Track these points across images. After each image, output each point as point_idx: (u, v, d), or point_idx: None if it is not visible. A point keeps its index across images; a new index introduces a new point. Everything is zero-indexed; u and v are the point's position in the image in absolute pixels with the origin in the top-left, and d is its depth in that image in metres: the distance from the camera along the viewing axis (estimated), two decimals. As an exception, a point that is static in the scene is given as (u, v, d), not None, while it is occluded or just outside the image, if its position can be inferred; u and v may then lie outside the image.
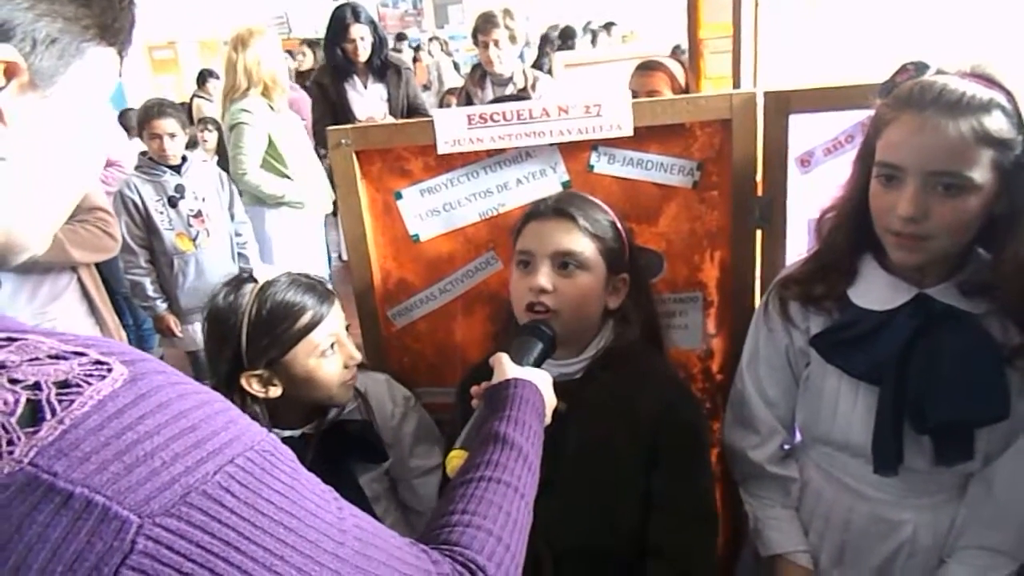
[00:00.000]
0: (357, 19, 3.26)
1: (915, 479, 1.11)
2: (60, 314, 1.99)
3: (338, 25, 3.25)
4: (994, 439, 1.06)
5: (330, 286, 1.29)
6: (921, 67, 1.00)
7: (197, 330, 2.91)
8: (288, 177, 3.09)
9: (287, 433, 1.27)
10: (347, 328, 1.29)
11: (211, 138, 4.73)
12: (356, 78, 3.31)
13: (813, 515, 1.24)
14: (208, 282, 2.82)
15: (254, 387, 1.20)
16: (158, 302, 2.82)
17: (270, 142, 3.02)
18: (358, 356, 1.28)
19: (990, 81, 0.95)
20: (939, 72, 0.99)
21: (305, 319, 1.20)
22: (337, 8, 3.30)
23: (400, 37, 8.16)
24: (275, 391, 1.22)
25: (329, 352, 1.23)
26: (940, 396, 1.03)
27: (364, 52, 3.27)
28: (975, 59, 0.98)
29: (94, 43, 0.53)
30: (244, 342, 1.18)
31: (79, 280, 2.07)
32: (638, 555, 1.18)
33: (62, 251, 1.91)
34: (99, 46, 0.54)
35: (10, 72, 0.48)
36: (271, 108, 3.03)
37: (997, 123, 0.93)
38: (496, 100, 2.85)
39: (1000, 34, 1.66)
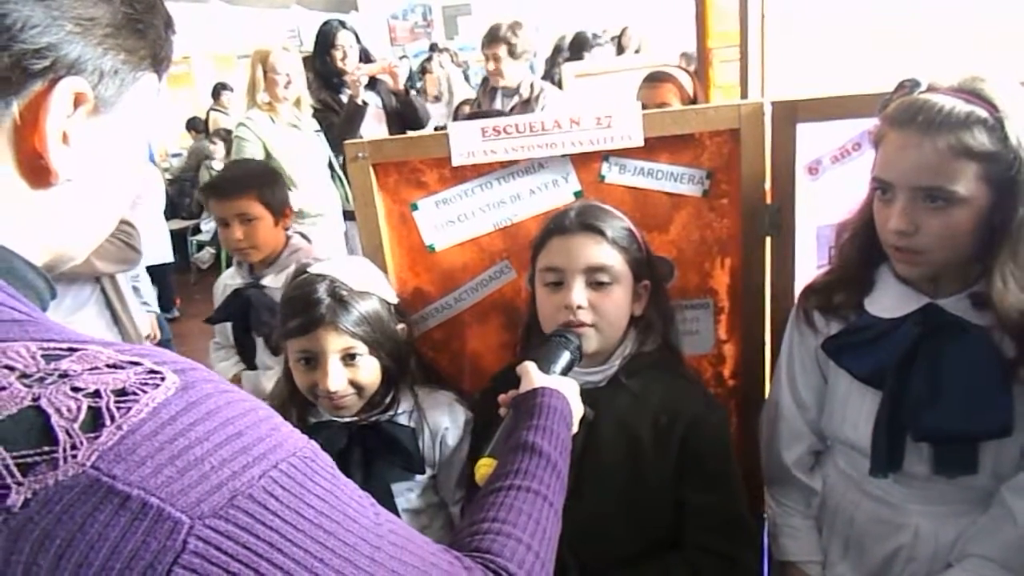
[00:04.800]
0: (343, 27, 3.37)
1: (918, 485, 1.12)
2: (83, 324, 2.02)
3: (325, 36, 3.36)
4: (1003, 455, 1.05)
5: (360, 309, 1.25)
6: (914, 84, 1.03)
7: None
8: (287, 187, 3.16)
9: (335, 418, 1.32)
10: (352, 357, 1.25)
11: (219, 149, 4.82)
12: (348, 91, 3.36)
13: (825, 508, 1.26)
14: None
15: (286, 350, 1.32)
16: None
17: (268, 154, 3.08)
18: (328, 387, 1.23)
19: (974, 95, 0.97)
20: (930, 87, 1.01)
21: (291, 324, 1.24)
22: (324, 23, 3.42)
23: (433, 47, 8.19)
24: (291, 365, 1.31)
25: (304, 365, 1.25)
26: (936, 405, 1.05)
27: (352, 60, 3.33)
28: (967, 72, 1.00)
29: (147, 71, 0.58)
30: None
31: (102, 290, 2.11)
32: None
33: (86, 262, 1.94)
34: (148, 73, 0.59)
35: (79, 101, 0.53)
36: (272, 121, 3.10)
37: (977, 137, 0.95)
38: (474, 115, 2.90)
39: (1004, 39, 1.68)
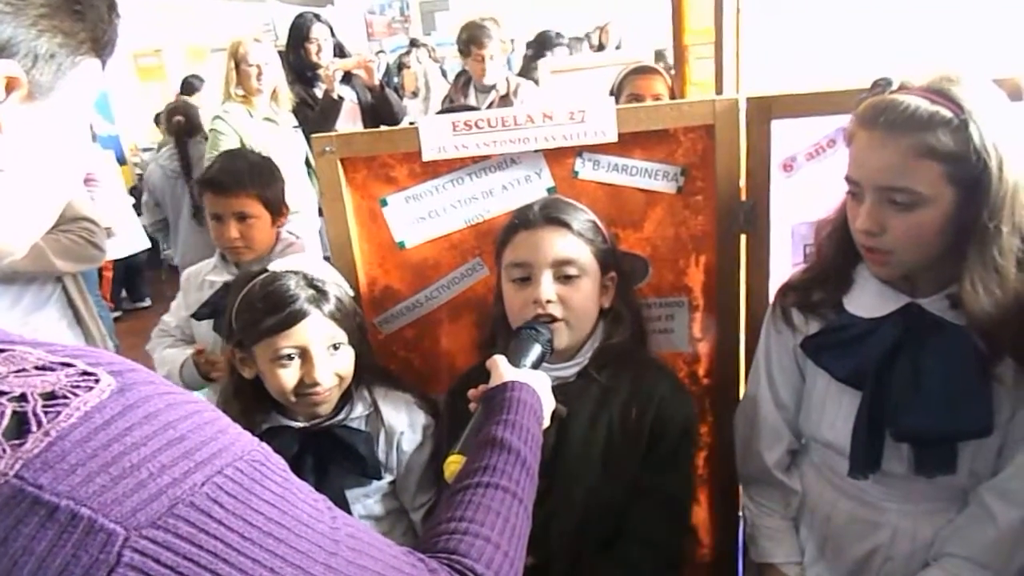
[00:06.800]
0: (318, 20, 3.32)
1: (896, 485, 1.12)
2: (43, 325, 1.97)
3: (299, 30, 3.31)
4: (981, 455, 1.05)
5: (336, 295, 1.25)
6: (887, 83, 1.02)
7: None
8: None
9: (287, 422, 1.28)
10: (336, 347, 1.24)
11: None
12: (323, 85, 3.30)
13: (803, 508, 1.26)
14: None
15: (237, 359, 1.27)
16: None
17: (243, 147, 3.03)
18: (318, 380, 1.21)
19: (941, 96, 0.96)
20: (901, 87, 1.01)
21: (269, 322, 1.19)
22: (298, 16, 3.36)
23: (413, 43, 8.08)
24: (248, 373, 1.26)
25: (287, 362, 1.21)
26: (917, 406, 1.05)
27: (326, 53, 3.29)
28: (939, 70, 0.99)
29: (87, 56, 0.55)
30: (232, 318, 1.26)
31: (64, 289, 2.06)
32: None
33: (46, 261, 1.90)
34: (89, 58, 0.55)
35: (11, 86, 0.50)
36: (250, 115, 3.04)
37: (940, 138, 0.94)
38: (451, 109, 2.85)
39: (980, 33, 1.69)
